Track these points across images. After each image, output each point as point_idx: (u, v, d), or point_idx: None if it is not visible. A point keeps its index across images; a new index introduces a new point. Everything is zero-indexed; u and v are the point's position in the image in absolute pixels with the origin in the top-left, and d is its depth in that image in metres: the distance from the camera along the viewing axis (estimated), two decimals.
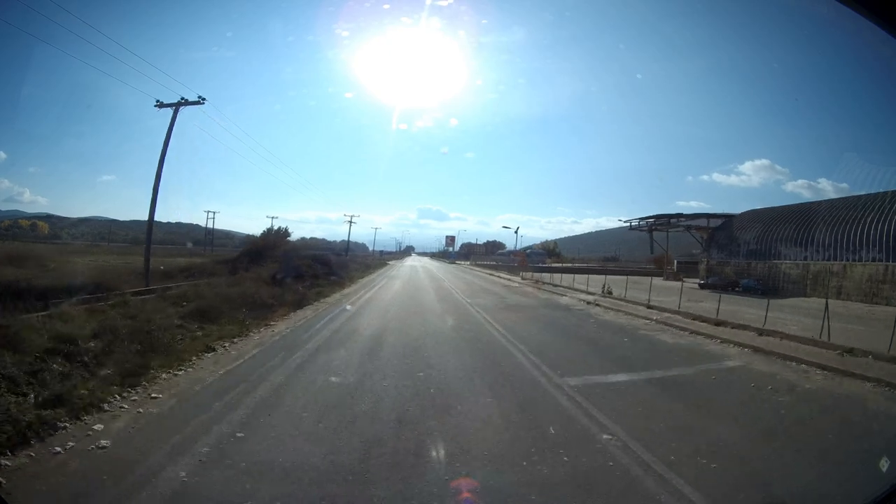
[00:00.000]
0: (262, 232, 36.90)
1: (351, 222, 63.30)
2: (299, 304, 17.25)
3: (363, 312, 15.69)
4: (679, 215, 48.96)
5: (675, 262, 78.57)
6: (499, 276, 41.97)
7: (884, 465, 4.16)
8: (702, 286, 36.26)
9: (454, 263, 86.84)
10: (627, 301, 20.50)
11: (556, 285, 28.56)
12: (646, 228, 51.11)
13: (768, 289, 32.76)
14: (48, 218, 62.71)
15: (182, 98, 22.58)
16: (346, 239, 66.27)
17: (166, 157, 21.70)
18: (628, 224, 51.71)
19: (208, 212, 62.41)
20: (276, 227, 39.52)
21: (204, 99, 23.09)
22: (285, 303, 17.16)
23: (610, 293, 23.12)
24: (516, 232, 48.02)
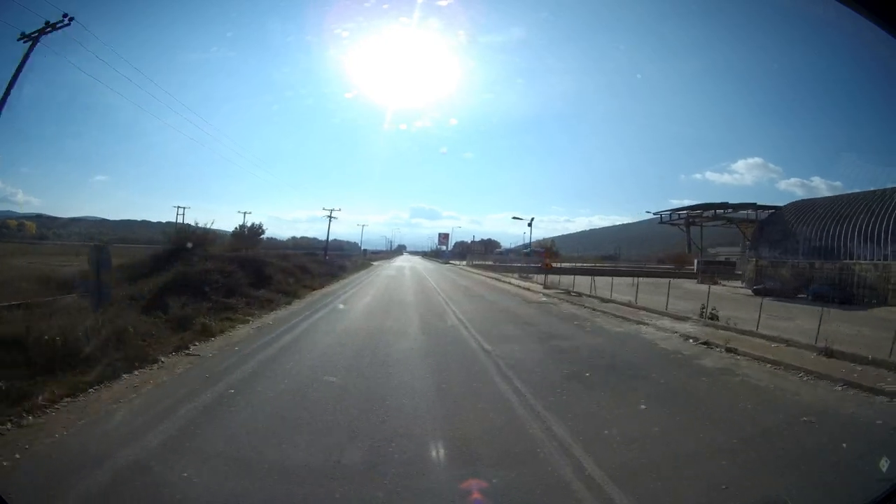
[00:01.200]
0: (233, 229, 33.63)
1: (331, 217, 54.93)
2: (136, 359, 7.96)
3: (233, 410, 6.20)
4: (724, 205, 40.02)
5: (696, 261, 71.03)
6: (509, 283, 32.44)
7: (884, 465, 3.98)
8: (756, 292, 28.47)
9: (448, 264, 77.47)
10: (767, 338, 11.42)
11: (604, 300, 19.30)
12: (680, 222, 42.02)
13: (846, 296, 25.63)
14: (38, 218, 58.72)
15: (46, 22, 17.54)
16: (338, 238, 59.01)
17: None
18: (658, 217, 42.56)
19: (178, 207, 52.78)
20: (249, 224, 36.30)
21: (71, 18, 17.94)
22: (110, 359, 7.92)
23: (715, 318, 13.93)
24: (530, 224, 38.19)
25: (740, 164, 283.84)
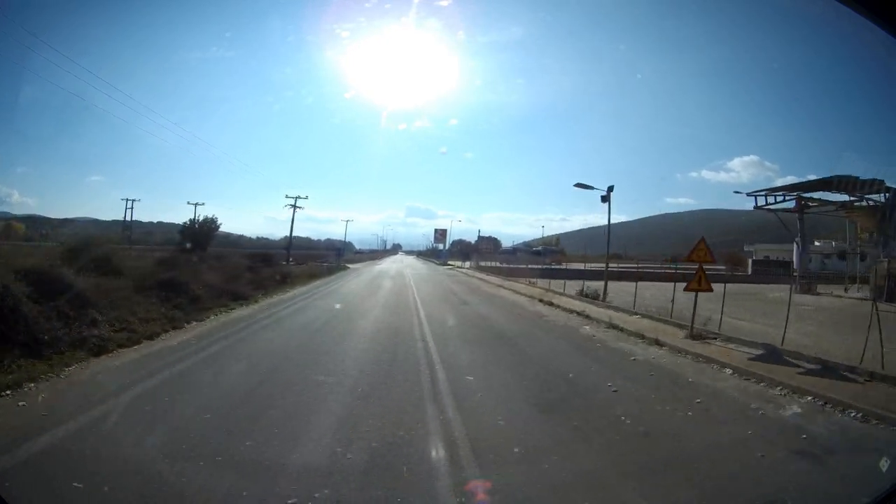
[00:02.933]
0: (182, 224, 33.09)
1: (295, 206, 42.93)
2: None
3: None
4: (851, 180, 27.33)
5: (750, 261, 58.54)
6: (586, 315, 14.95)
7: (884, 465, 3.96)
8: None
9: (447, 265, 64.72)
10: None
11: None
12: (782, 206, 29.13)
13: None
14: (31, 219, 59.33)
15: None
16: (331, 237, 52.17)
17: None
18: (753, 199, 29.61)
19: (126, 200, 46.06)
20: (200, 218, 32.97)
21: None
22: None
23: None
24: (606, 198, 22.48)
25: (736, 163, 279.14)
